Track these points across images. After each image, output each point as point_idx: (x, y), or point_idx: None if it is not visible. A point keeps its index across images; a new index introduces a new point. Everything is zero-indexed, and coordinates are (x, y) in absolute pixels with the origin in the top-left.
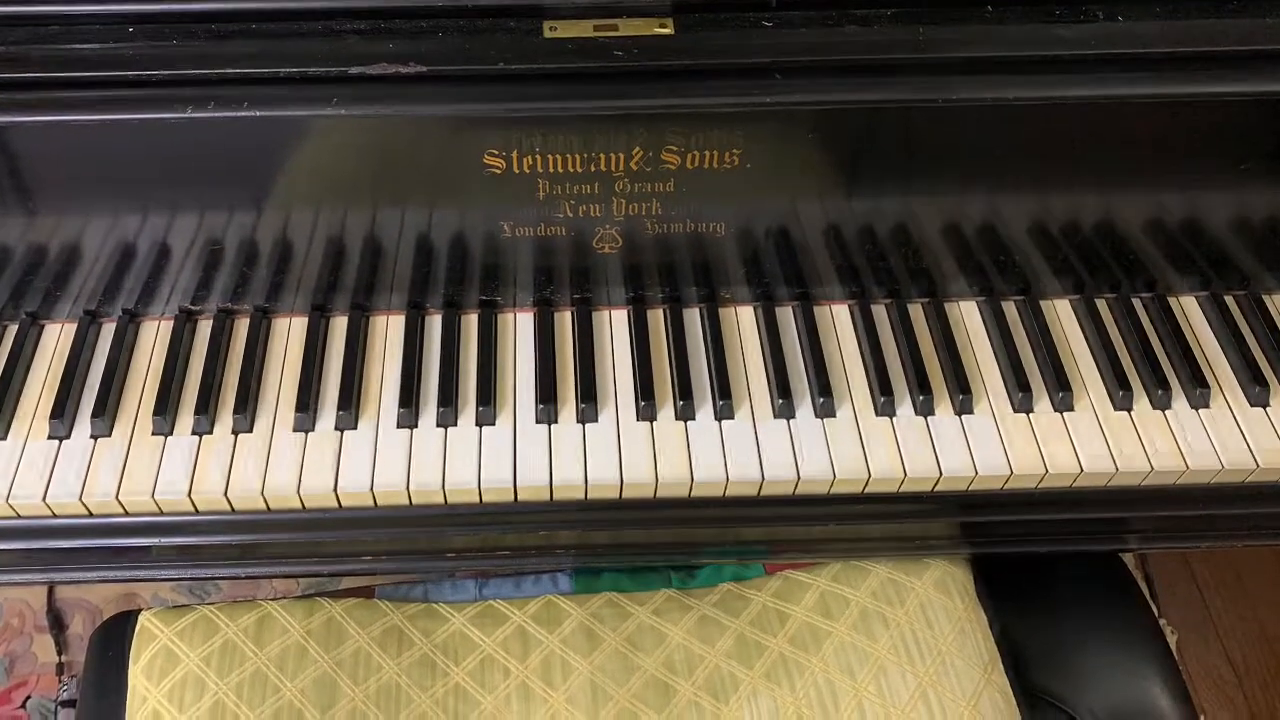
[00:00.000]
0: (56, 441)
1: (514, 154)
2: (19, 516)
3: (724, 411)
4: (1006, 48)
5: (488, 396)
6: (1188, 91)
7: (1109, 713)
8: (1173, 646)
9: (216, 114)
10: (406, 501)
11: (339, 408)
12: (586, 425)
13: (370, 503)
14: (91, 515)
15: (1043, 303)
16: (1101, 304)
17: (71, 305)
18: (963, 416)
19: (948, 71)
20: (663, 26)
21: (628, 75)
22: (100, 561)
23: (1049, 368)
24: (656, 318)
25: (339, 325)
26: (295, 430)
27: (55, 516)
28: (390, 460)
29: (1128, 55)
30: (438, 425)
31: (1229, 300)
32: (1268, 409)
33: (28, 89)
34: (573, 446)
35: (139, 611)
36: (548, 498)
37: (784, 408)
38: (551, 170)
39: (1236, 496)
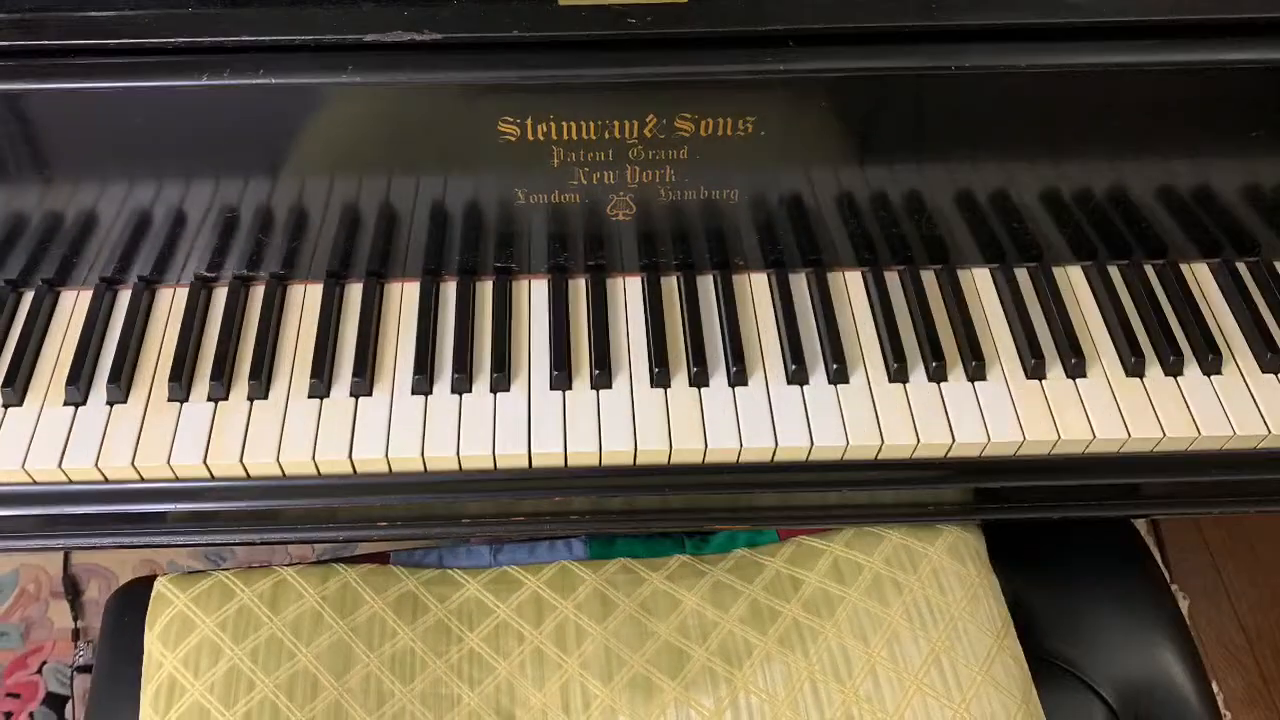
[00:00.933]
0: (72, 408)
1: (528, 122)
2: (35, 483)
3: (737, 378)
4: (1019, 15)
5: (502, 363)
6: (1199, 59)
7: (1121, 677)
8: (1184, 612)
9: (232, 81)
10: (421, 468)
11: (354, 374)
12: (600, 391)
13: (385, 469)
14: (107, 481)
15: (1055, 270)
16: (1114, 271)
17: (88, 272)
18: (975, 383)
19: (960, 39)
20: None
21: (642, 43)
22: (116, 527)
23: (1061, 334)
24: (670, 284)
25: (354, 292)
26: (310, 396)
27: (71, 482)
28: (405, 426)
29: (1139, 23)
30: (452, 391)
31: (1240, 267)
32: (1279, 376)
33: (44, 56)
34: (587, 412)
35: (155, 577)
36: (562, 464)
37: (797, 374)
38: (566, 138)
39: (1248, 463)
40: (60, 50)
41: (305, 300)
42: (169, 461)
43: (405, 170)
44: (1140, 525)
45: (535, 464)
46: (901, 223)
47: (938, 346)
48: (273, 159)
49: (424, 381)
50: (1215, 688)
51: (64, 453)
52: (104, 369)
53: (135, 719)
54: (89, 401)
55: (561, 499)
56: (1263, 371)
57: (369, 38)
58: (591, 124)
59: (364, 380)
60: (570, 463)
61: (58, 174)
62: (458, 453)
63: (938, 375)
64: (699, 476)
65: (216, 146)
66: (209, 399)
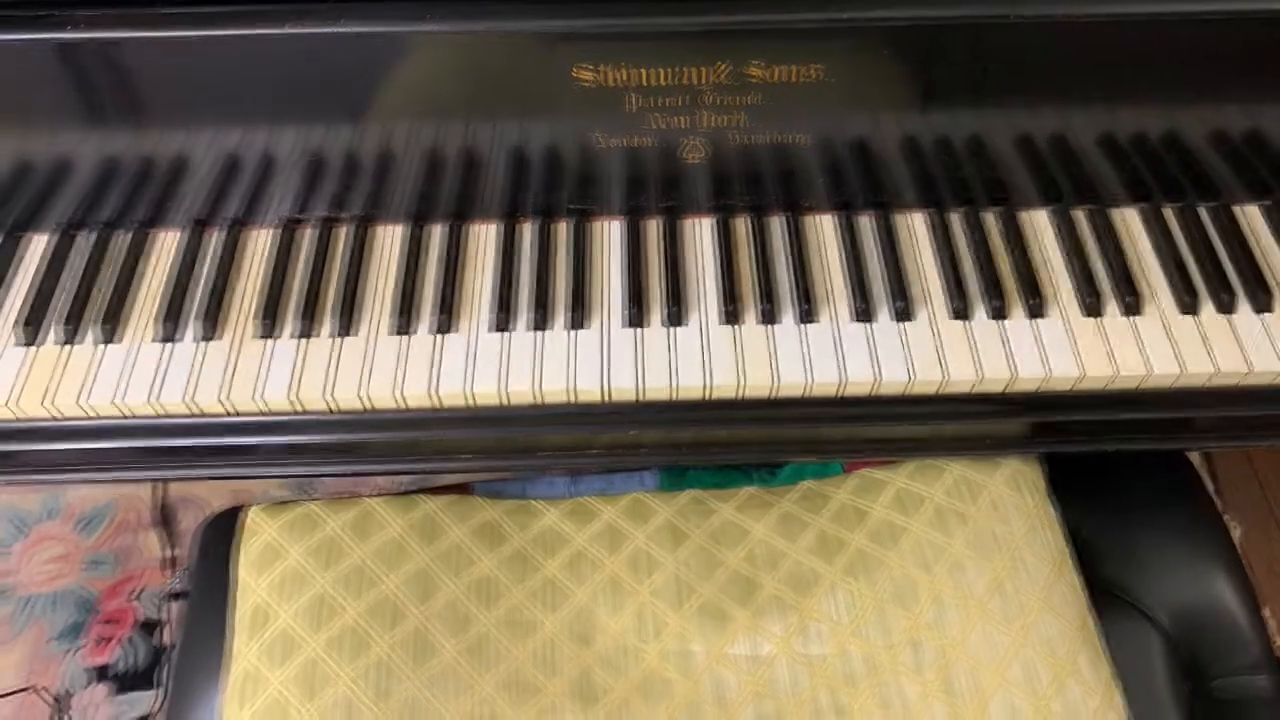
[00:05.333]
0: (165, 344)
1: (604, 68)
2: (130, 416)
3: (806, 316)
4: None
5: (579, 300)
6: (1256, 7)
7: (1175, 604)
8: (1236, 541)
9: (315, 29)
10: (502, 401)
11: (437, 311)
12: (674, 328)
13: (467, 403)
14: (199, 415)
15: (1111, 211)
16: (1168, 212)
17: (179, 215)
18: (1034, 320)
19: None
20: None
21: None
22: (208, 459)
23: (1118, 273)
24: (741, 225)
25: (437, 233)
26: (395, 333)
27: (165, 416)
28: (486, 362)
29: None
30: (531, 329)
31: None
32: None
33: (132, 5)
34: (661, 348)
35: (245, 507)
36: (636, 398)
37: (863, 312)
38: (640, 84)
39: None
40: (149, 0)
41: (389, 241)
42: (258, 396)
43: (484, 116)
44: (1194, 457)
45: (611, 398)
46: (963, 165)
47: (998, 285)
48: (355, 105)
49: (504, 319)
50: (1266, 614)
51: (157, 388)
52: (195, 307)
53: (226, 644)
54: (181, 338)
55: (636, 432)
56: None
57: None
58: (665, 70)
59: (446, 317)
60: (645, 397)
61: (149, 120)
62: (536, 387)
63: (998, 313)
64: (768, 410)
65: (301, 93)
66: (296, 336)
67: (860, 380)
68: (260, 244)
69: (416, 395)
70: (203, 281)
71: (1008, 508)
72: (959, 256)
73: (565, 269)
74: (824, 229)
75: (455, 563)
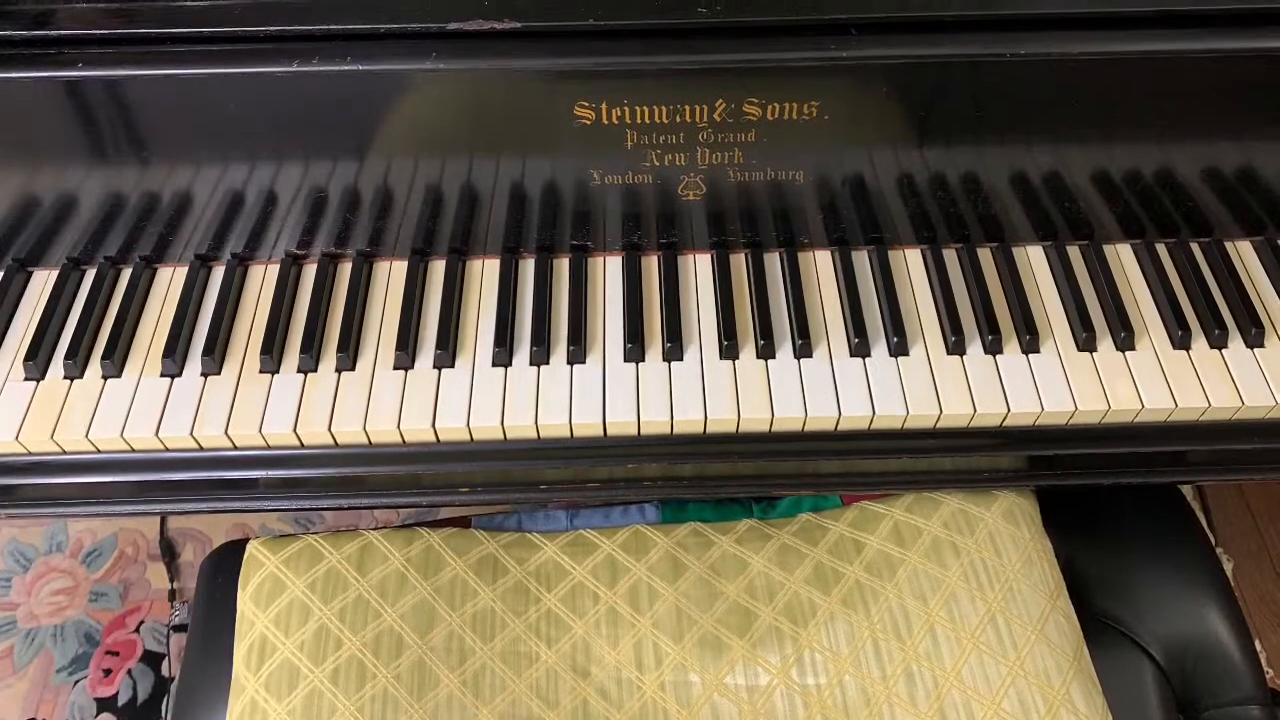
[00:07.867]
0: (169, 379)
1: (603, 106)
2: (133, 450)
3: (803, 350)
4: (1072, 5)
5: (578, 336)
6: (1246, 47)
7: (1168, 636)
8: (1229, 573)
9: (320, 68)
10: (501, 436)
11: (437, 347)
12: (672, 363)
13: (467, 438)
14: (202, 449)
15: (1105, 247)
16: (1161, 248)
17: (183, 250)
18: (1029, 355)
19: (1016, 28)
20: None
21: (712, 31)
22: (210, 493)
23: (1111, 309)
24: (738, 261)
25: (437, 268)
26: (395, 369)
27: (167, 450)
28: (486, 397)
29: (1188, 12)
30: (531, 363)
31: None
32: None
33: (141, 44)
34: (659, 384)
35: (247, 540)
36: (635, 432)
37: (859, 347)
38: (639, 121)
39: None
40: (156, 38)
41: (391, 276)
42: (260, 430)
43: (486, 152)
44: (1186, 491)
45: (609, 433)
46: (959, 202)
47: (994, 321)
48: (359, 142)
49: (504, 354)
50: (1258, 646)
51: (160, 422)
52: (199, 342)
53: (229, 676)
54: (184, 373)
55: (634, 466)
56: None
57: (451, 26)
58: (664, 108)
59: (447, 353)
60: (643, 431)
61: (155, 156)
62: (536, 422)
63: (993, 348)
64: (766, 444)
65: (306, 130)
66: (299, 371)
67: (856, 414)
68: (263, 280)
69: (417, 430)
70: (206, 317)
71: (1003, 540)
72: (955, 292)
73: (565, 305)
74: (821, 265)
75: (455, 595)
